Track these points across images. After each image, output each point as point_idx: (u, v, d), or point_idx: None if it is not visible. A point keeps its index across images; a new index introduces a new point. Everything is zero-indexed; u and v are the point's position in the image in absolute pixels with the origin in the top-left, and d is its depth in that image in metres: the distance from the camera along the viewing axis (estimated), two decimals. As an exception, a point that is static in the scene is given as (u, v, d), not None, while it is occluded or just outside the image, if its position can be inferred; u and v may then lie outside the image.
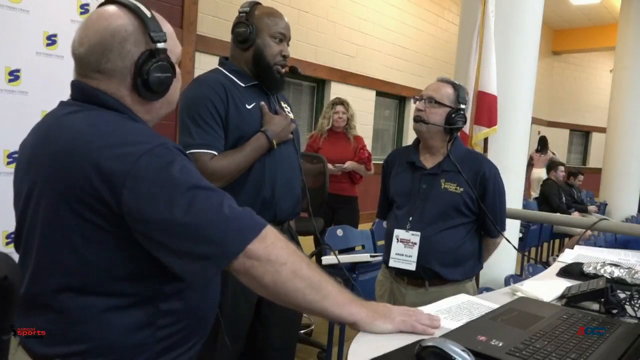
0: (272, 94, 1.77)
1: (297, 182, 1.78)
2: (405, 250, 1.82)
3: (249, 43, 1.67)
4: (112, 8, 1.00)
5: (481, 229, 1.90)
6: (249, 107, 1.67)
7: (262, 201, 1.66)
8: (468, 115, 2.74)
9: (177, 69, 1.05)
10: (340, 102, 3.98)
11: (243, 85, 1.69)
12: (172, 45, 1.03)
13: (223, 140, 1.62)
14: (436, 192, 1.83)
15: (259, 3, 1.73)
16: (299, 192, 1.80)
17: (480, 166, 1.84)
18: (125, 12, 0.99)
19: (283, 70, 1.73)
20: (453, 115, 1.82)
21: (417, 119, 1.85)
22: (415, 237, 1.81)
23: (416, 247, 1.80)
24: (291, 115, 1.82)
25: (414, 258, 1.80)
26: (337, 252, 2.49)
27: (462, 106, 1.85)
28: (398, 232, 1.84)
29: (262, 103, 1.71)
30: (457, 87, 1.88)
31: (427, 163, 1.88)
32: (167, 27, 1.02)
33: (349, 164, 3.85)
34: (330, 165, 3.67)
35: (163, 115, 1.08)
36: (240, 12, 1.69)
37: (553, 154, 9.22)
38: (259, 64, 1.69)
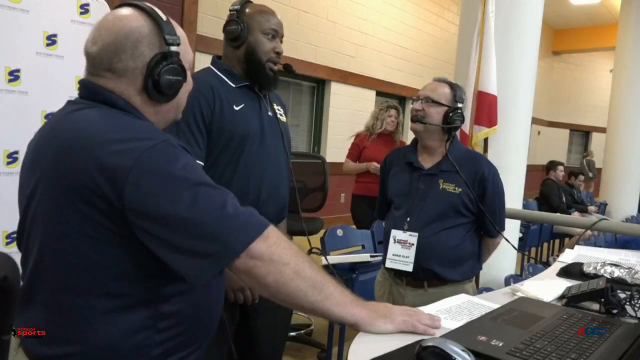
0: (264, 94, 1.72)
1: (284, 184, 1.73)
2: (402, 251, 1.81)
3: (240, 41, 1.64)
4: (128, 10, 1.01)
5: (480, 229, 1.89)
6: (236, 108, 1.62)
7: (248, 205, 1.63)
8: (467, 114, 2.74)
9: (188, 74, 1.05)
10: (395, 106, 4.13)
11: (233, 85, 1.65)
12: (185, 51, 1.04)
13: (205, 147, 1.58)
14: (434, 192, 1.82)
15: (250, 1, 1.70)
16: (286, 195, 1.74)
17: (479, 166, 1.83)
18: (140, 14, 1.00)
19: (276, 67, 1.68)
20: (451, 114, 1.81)
21: (414, 119, 1.84)
22: (412, 237, 1.80)
23: (413, 248, 1.79)
24: (283, 118, 1.78)
25: (411, 259, 1.79)
26: (327, 254, 2.51)
27: (460, 105, 1.84)
28: (395, 233, 1.83)
29: None
30: (453, 86, 1.87)
31: (425, 163, 1.88)
32: (180, 32, 1.03)
33: None
34: (374, 164, 3.85)
35: (171, 120, 1.09)
36: (230, 10, 1.66)
37: None
38: (251, 61, 1.64)
